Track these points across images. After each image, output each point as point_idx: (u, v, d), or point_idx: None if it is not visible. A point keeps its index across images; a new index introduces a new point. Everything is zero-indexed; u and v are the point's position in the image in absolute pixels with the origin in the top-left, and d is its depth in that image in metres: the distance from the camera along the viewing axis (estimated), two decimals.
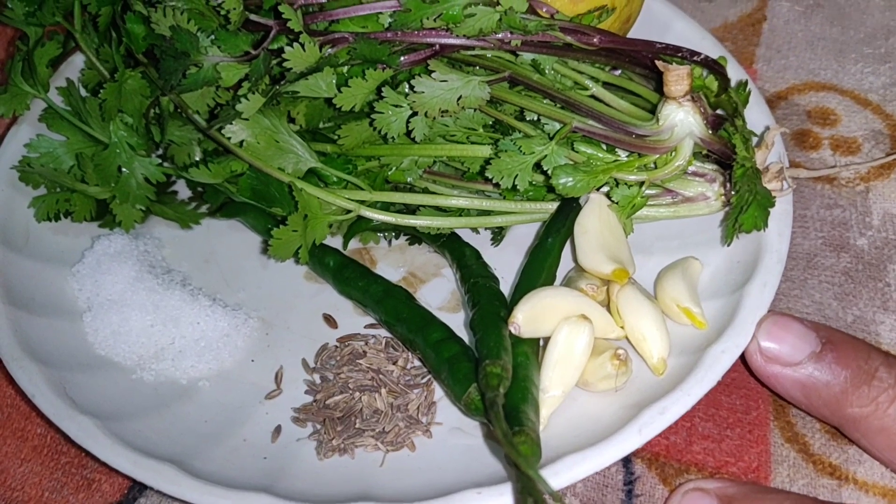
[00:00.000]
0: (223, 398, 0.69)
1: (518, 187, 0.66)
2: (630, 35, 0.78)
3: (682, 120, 0.65)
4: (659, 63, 0.65)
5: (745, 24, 0.88)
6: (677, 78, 0.64)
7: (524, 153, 0.66)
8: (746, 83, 0.70)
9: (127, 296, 0.71)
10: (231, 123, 0.66)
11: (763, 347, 0.60)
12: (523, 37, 0.66)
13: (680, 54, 0.68)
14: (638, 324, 0.64)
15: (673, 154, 0.66)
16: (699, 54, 0.68)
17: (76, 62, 0.82)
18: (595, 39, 0.67)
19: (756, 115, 0.73)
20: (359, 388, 0.67)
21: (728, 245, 0.66)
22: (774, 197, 0.65)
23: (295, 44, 0.64)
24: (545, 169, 0.66)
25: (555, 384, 0.62)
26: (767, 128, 0.70)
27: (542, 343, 0.65)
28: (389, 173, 0.72)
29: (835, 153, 0.79)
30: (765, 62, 0.86)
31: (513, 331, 0.63)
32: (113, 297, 0.72)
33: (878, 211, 0.75)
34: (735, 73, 0.74)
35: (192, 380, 0.70)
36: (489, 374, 0.60)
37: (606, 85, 0.70)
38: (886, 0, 0.88)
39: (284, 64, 0.64)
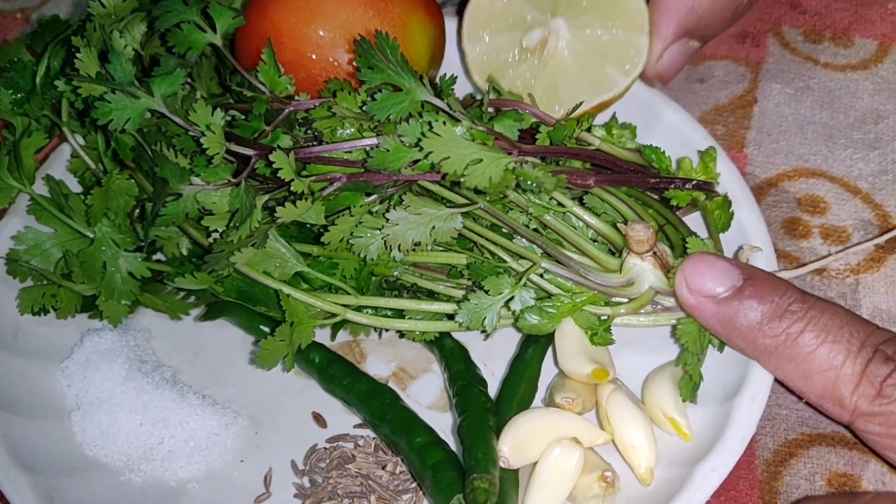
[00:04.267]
0: (212, 501, 0.69)
1: (487, 329, 0.66)
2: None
3: (643, 272, 0.66)
4: (620, 226, 0.67)
5: (735, 107, 0.88)
6: (638, 242, 0.65)
7: (491, 294, 0.66)
8: (730, 203, 0.72)
9: (116, 395, 0.71)
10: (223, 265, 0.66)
11: (688, 280, 0.63)
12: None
13: (673, 185, 0.70)
14: (626, 432, 0.64)
15: (636, 299, 0.67)
16: (691, 181, 0.70)
17: (65, 150, 0.81)
18: (591, 181, 0.68)
19: (746, 216, 0.73)
20: (348, 495, 0.67)
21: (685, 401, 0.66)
22: None
23: (288, 203, 0.63)
24: (512, 311, 0.66)
25: None
26: (741, 247, 0.70)
27: None
28: (375, 268, 0.71)
29: (825, 241, 0.79)
30: (755, 146, 0.85)
31: (502, 465, 0.63)
32: (102, 395, 0.71)
33: (868, 305, 0.75)
34: (724, 166, 0.75)
35: (182, 481, 0.69)
36: (477, 489, 0.60)
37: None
38: (875, 84, 0.88)
39: (277, 221, 0.64)
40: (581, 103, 0.72)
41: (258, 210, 0.63)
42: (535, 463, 0.63)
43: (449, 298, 0.70)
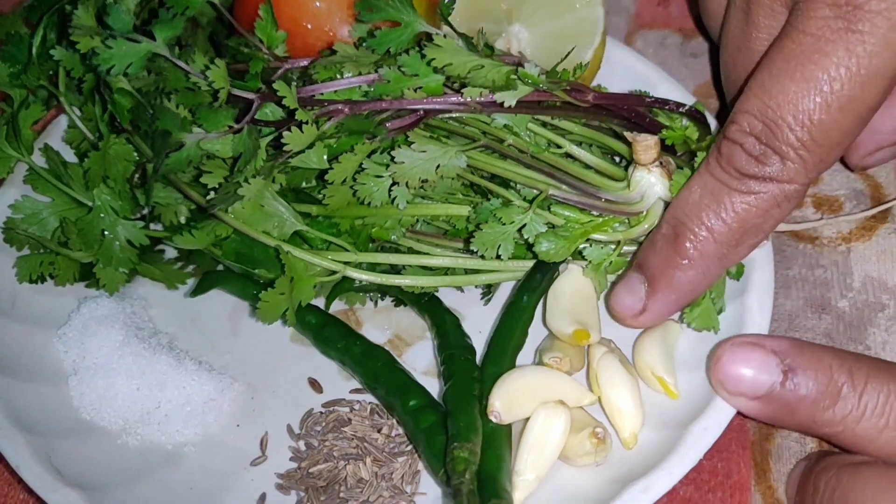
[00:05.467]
0: (208, 464, 0.69)
1: (502, 257, 0.67)
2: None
3: (651, 185, 0.67)
4: (627, 133, 0.67)
5: None
6: (645, 147, 0.66)
7: (504, 223, 0.67)
8: None
9: (113, 360, 0.72)
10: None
11: (724, 382, 0.61)
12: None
13: (668, 107, 0.70)
14: (614, 396, 0.65)
15: (645, 215, 0.68)
16: (684, 105, 0.71)
17: (63, 121, 0.82)
18: (589, 97, 0.69)
19: None
20: (343, 457, 0.67)
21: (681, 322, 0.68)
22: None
23: (293, 127, 0.64)
24: (525, 237, 0.67)
25: (529, 468, 0.63)
26: None
27: None
28: (373, 231, 0.72)
29: (817, 211, 0.80)
30: None
31: (493, 419, 0.64)
32: (99, 360, 0.72)
33: (859, 273, 0.76)
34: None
35: (178, 445, 0.70)
36: (456, 458, 0.61)
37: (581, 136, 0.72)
38: None
39: (284, 148, 0.64)
40: (573, 48, 0.73)
41: (262, 150, 0.64)
42: (527, 419, 0.64)
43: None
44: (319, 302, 0.74)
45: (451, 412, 0.65)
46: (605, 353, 0.67)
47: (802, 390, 0.59)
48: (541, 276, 0.70)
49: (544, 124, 0.69)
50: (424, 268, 0.72)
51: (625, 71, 0.82)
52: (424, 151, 0.66)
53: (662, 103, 0.71)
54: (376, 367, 0.69)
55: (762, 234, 0.64)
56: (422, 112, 0.67)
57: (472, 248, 0.67)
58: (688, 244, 0.63)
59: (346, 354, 0.70)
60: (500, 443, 0.63)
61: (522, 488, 0.62)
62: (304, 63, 0.69)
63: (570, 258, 0.69)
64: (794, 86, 0.59)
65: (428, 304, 0.73)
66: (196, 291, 0.76)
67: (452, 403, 0.65)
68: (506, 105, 0.66)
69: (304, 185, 0.73)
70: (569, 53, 0.73)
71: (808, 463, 0.62)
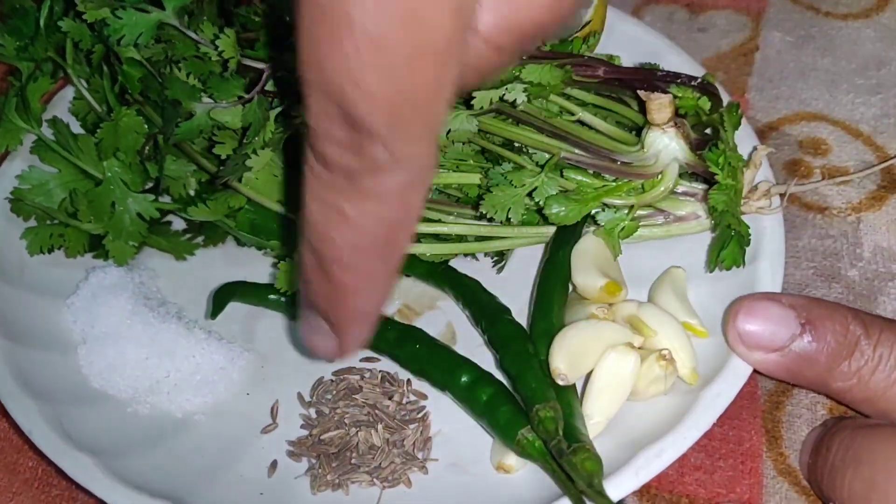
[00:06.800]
0: (219, 432, 0.69)
1: (512, 220, 0.67)
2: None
3: (666, 145, 0.67)
4: (641, 92, 0.67)
5: (737, 54, 0.89)
6: (659, 106, 0.66)
7: (515, 186, 0.66)
8: (738, 105, 0.72)
9: (122, 329, 0.71)
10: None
11: (743, 336, 0.61)
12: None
13: (679, 80, 0.70)
14: (665, 335, 0.64)
15: (659, 177, 0.68)
16: (696, 79, 0.70)
17: (68, 94, 0.82)
18: (600, 72, 0.69)
19: (743, 138, 0.73)
20: (354, 424, 0.67)
21: (711, 272, 0.68)
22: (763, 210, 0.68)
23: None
24: (537, 200, 0.67)
25: (598, 412, 0.62)
26: (755, 148, 0.71)
27: None
28: None
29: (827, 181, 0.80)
30: (757, 91, 0.86)
31: (560, 382, 0.62)
32: (108, 329, 0.72)
33: (869, 243, 0.76)
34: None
35: (188, 413, 0.70)
36: (544, 419, 0.60)
37: (593, 106, 0.72)
38: (877, 31, 0.89)
39: (294, 121, 0.64)
40: (590, 21, 0.73)
41: (271, 122, 0.63)
42: (588, 373, 0.63)
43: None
44: None
45: (516, 376, 0.64)
46: (641, 303, 0.66)
47: (821, 341, 0.59)
48: (573, 229, 0.69)
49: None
50: (437, 237, 0.72)
51: (632, 42, 0.82)
52: None
53: (674, 76, 0.71)
54: (416, 350, 0.68)
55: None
56: None
57: (481, 210, 0.67)
58: (339, 273, 0.47)
59: (380, 340, 0.70)
60: (567, 392, 0.63)
61: (592, 431, 0.62)
62: None
63: None
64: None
65: (444, 275, 0.73)
66: (215, 309, 0.73)
67: (514, 368, 0.64)
68: (517, 101, 0.66)
69: None
70: (587, 25, 0.73)
71: (823, 429, 0.63)
